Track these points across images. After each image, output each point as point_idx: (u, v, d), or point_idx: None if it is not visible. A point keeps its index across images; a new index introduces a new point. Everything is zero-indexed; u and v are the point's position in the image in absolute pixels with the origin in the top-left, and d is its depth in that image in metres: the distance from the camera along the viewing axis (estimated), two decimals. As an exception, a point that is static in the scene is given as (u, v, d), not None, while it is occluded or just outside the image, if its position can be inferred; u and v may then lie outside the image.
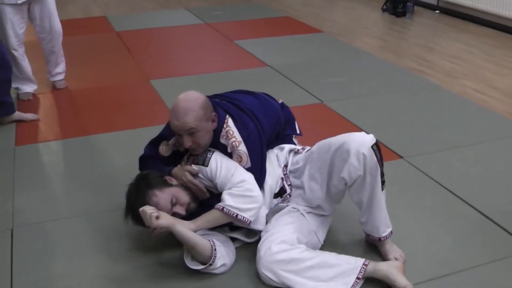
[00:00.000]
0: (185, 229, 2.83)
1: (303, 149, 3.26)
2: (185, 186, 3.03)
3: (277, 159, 3.26)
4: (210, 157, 3.03)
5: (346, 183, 2.90)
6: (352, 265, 2.80)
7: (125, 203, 3.01)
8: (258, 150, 3.10)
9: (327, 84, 5.78)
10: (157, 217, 2.75)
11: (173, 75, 6.18)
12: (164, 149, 3.18)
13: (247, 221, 2.90)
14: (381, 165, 2.87)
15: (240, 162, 3.04)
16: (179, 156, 3.19)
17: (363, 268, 2.78)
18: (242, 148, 3.05)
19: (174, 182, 3.03)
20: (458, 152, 4.25)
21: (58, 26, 5.55)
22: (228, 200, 2.88)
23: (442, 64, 6.57)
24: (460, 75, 6.15)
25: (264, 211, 3.06)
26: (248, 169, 3.03)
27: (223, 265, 2.91)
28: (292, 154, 3.27)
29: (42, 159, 4.38)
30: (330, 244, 3.11)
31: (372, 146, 2.82)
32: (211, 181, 3.03)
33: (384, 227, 3.00)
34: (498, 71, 6.30)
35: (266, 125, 3.19)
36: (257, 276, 2.88)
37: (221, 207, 2.88)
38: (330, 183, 2.96)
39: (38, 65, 5.74)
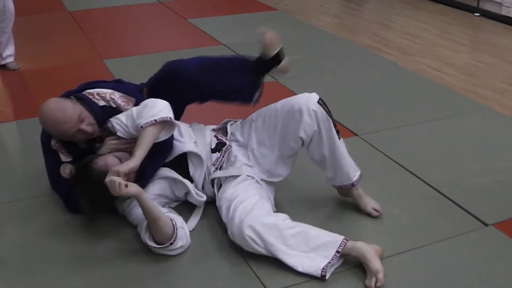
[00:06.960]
0: (150, 200, 2.83)
1: (236, 120, 3.43)
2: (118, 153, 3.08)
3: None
4: (112, 124, 3.10)
5: (303, 142, 3.04)
6: (332, 238, 2.78)
7: (84, 201, 3.04)
8: (129, 85, 3.35)
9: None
10: (126, 186, 2.72)
11: (127, 54, 6.10)
12: (66, 171, 3.17)
13: (167, 118, 2.98)
14: (331, 117, 3.04)
15: (128, 104, 3.21)
16: None
17: (343, 242, 2.75)
18: (117, 94, 3.22)
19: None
20: (413, 129, 4.26)
21: (11, 6, 5.48)
22: (139, 118, 2.98)
23: (397, 42, 6.59)
24: (416, 52, 6.18)
25: (202, 152, 3.16)
26: (136, 104, 3.18)
27: (181, 246, 2.89)
28: (229, 125, 3.39)
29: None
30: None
31: (318, 101, 3.01)
32: (130, 137, 3.09)
33: (353, 171, 3.15)
34: (453, 48, 6.35)
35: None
36: (219, 260, 2.86)
37: (139, 126, 2.95)
38: (284, 146, 3.08)
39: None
